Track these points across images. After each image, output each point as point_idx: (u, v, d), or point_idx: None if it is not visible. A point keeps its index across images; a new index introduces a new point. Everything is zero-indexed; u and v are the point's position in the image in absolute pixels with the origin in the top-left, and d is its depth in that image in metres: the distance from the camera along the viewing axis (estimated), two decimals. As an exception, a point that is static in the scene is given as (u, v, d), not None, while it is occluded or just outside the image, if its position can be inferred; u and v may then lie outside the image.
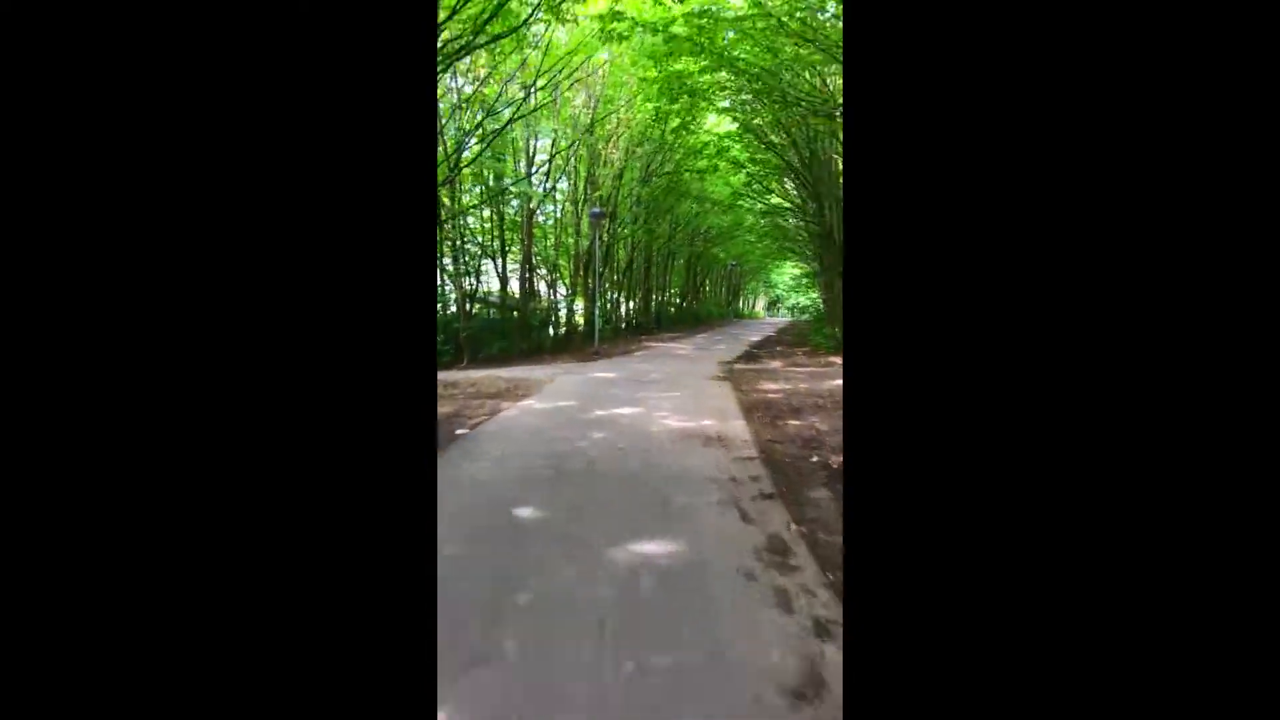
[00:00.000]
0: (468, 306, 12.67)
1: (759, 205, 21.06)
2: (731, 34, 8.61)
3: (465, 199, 13.19)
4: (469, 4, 6.75)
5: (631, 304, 22.70)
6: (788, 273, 48.67)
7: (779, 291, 57.69)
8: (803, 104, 9.35)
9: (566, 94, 12.68)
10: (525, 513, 3.02)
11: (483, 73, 10.86)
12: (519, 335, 13.01)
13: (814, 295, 37.77)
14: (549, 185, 14.49)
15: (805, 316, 42.37)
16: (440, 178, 9.72)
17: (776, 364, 10.95)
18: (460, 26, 6.89)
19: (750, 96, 11.20)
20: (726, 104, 11.83)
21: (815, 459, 4.06)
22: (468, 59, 9.60)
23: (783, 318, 55.54)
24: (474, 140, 10.65)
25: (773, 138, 12.90)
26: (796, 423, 5.35)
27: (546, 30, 9.83)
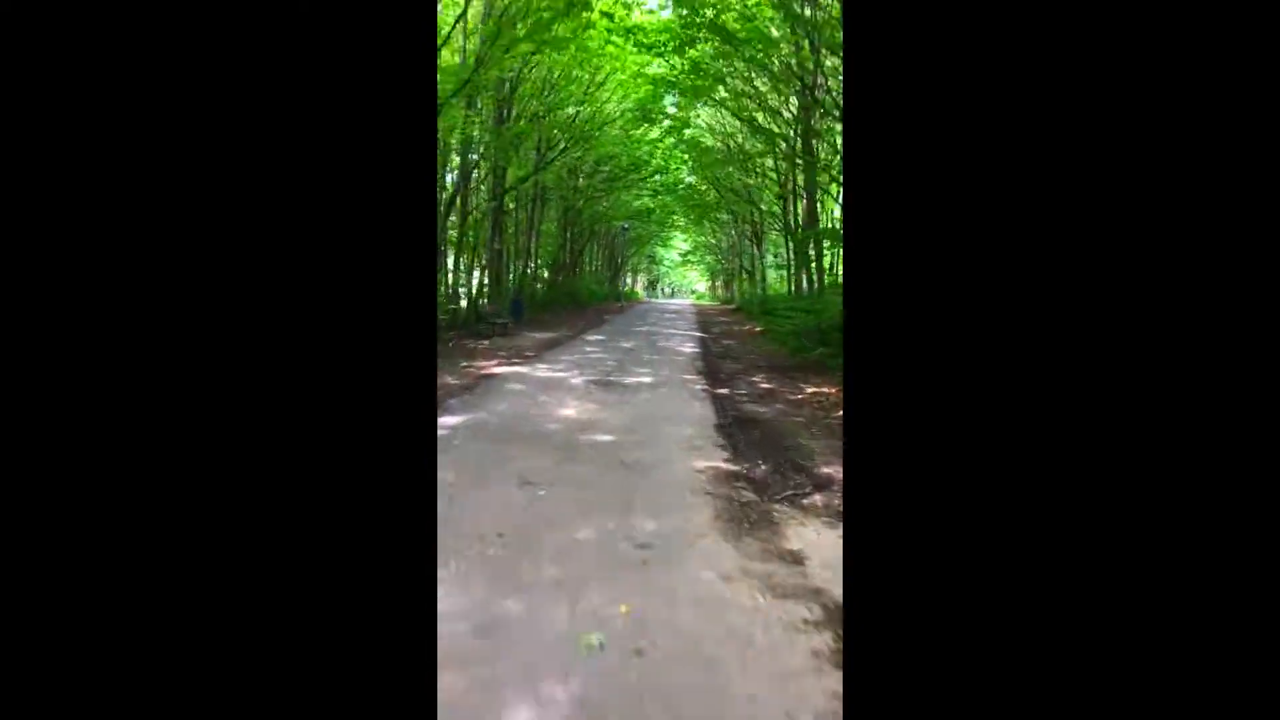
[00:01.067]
0: None
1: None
2: None
3: None
4: None
5: (475, 279, 13.90)
6: (675, 247, 41.51)
7: (663, 268, 50.57)
8: None
9: None
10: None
11: None
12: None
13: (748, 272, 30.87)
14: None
15: (709, 300, 36.03)
16: None
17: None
18: None
19: None
20: None
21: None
22: None
23: (666, 300, 48.75)
24: None
25: None
26: None
27: None
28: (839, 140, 10.07)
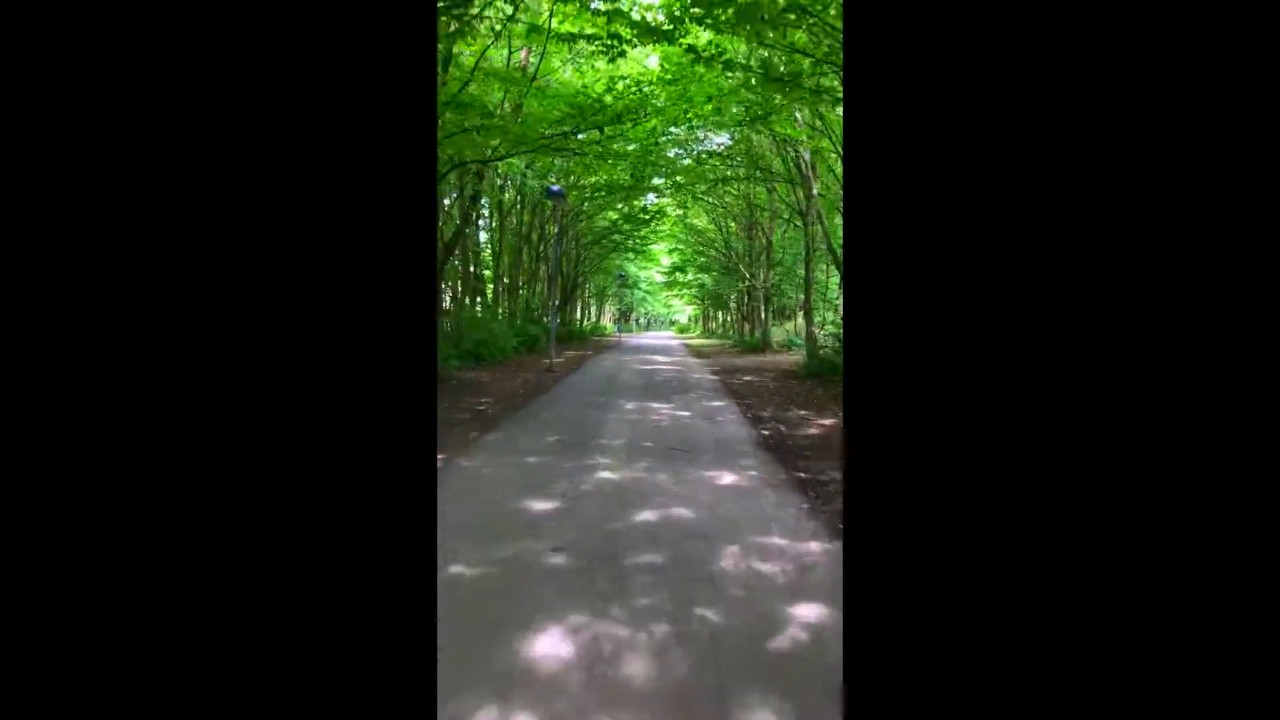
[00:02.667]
0: None
1: None
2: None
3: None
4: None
5: None
6: (657, 261, 29.52)
7: (638, 293, 38.45)
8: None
9: None
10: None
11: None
12: None
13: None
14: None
15: (701, 336, 22.51)
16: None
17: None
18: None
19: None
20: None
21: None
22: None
23: (642, 337, 36.61)
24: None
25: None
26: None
27: None
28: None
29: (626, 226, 20.42)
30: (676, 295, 34.86)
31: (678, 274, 25.58)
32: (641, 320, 55.10)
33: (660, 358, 14.66)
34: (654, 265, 30.60)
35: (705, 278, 26.37)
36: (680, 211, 20.89)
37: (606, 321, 42.65)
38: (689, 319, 49.68)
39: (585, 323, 32.23)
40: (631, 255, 26.11)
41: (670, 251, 26.08)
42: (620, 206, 18.60)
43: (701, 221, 21.29)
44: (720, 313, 34.85)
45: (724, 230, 20.30)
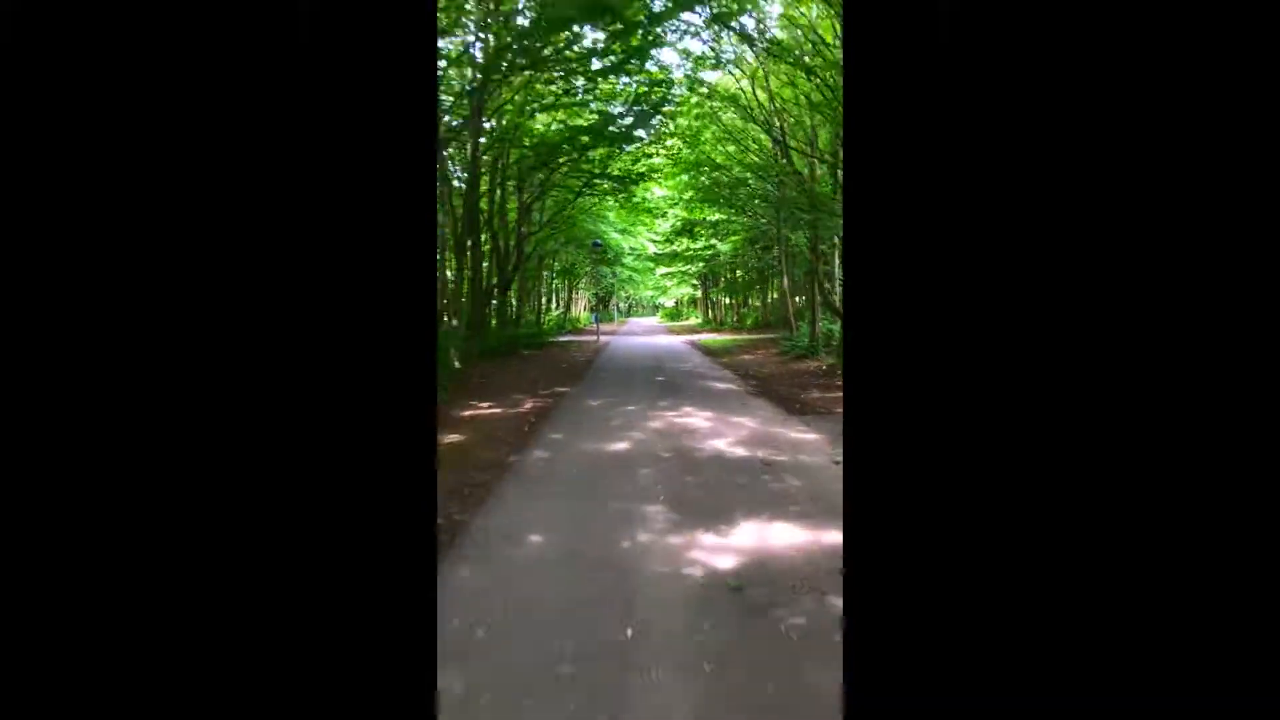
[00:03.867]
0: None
1: None
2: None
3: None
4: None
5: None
6: (650, 222, 20.57)
7: (621, 273, 29.41)
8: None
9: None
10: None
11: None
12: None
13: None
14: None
15: (701, 326, 14.76)
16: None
17: None
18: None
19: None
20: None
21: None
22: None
23: (630, 332, 27.52)
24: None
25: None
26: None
27: None
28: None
29: (596, 153, 11.47)
30: (675, 276, 26.01)
31: (683, 239, 16.72)
32: (621, 306, 46.12)
33: (699, 419, 5.85)
34: (649, 228, 21.71)
35: (720, 245, 17.64)
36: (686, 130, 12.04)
37: (580, 310, 33.70)
38: (679, 304, 40.83)
39: (546, 315, 23.21)
40: (611, 209, 17.13)
41: (674, 203, 17.22)
42: (587, 90, 9.66)
43: (719, 152, 12.39)
44: (729, 298, 26.11)
45: (778, 154, 11.42)
